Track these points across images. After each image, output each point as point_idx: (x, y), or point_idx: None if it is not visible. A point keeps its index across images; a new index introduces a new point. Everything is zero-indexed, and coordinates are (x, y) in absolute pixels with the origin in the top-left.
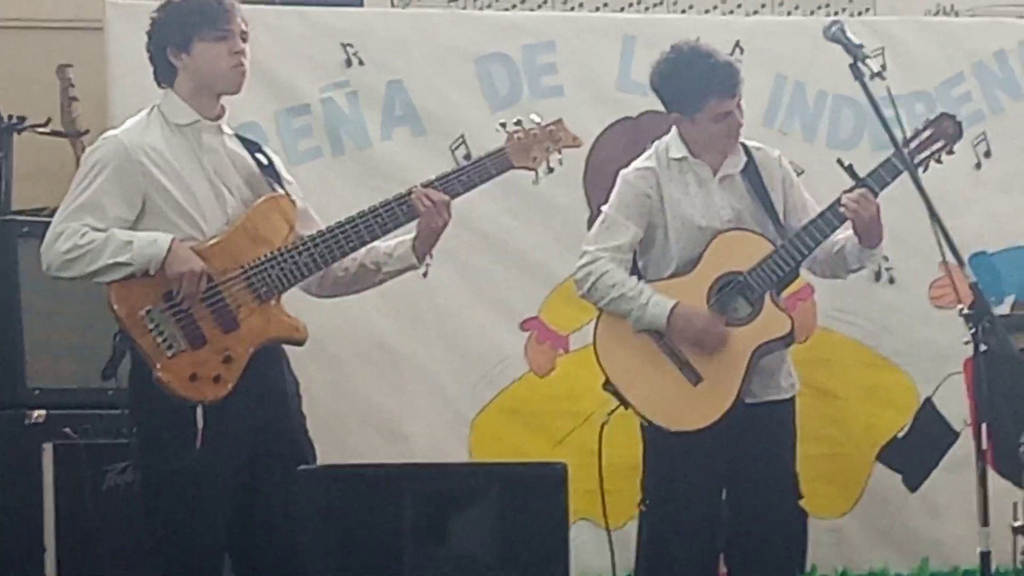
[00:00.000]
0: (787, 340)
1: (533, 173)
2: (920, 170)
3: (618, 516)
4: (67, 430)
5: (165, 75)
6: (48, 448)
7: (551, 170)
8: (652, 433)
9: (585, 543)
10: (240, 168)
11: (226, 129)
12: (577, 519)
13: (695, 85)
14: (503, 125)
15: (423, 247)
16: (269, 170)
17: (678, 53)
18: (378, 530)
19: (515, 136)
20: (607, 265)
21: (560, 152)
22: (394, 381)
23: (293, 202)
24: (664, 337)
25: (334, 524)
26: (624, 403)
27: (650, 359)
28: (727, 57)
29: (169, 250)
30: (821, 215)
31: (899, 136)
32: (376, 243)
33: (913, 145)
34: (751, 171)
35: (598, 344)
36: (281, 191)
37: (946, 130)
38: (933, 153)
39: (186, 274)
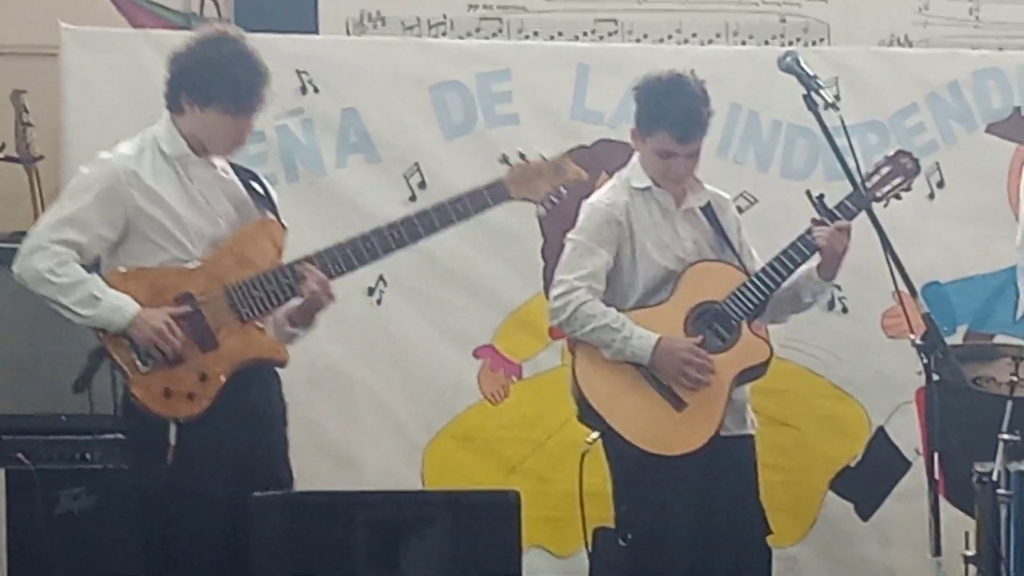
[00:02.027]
0: (765, 366)
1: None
2: (881, 205)
3: (570, 544)
4: (19, 455)
5: (173, 104)
6: (0, 473)
7: (553, 203)
8: (628, 465)
9: (538, 571)
10: (230, 195)
11: (216, 162)
12: (530, 546)
13: (654, 111)
14: (505, 159)
15: (304, 320)
16: (264, 200)
17: (670, 76)
18: (331, 557)
19: (516, 167)
20: (585, 295)
21: (566, 188)
22: (347, 408)
23: (283, 227)
24: (644, 365)
25: (287, 551)
26: (605, 430)
27: (632, 386)
28: (705, 108)
29: (131, 323)
30: (792, 245)
31: (852, 165)
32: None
33: (873, 182)
34: (710, 209)
35: (579, 373)
36: (272, 217)
37: (904, 166)
38: (893, 189)
39: (153, 339)
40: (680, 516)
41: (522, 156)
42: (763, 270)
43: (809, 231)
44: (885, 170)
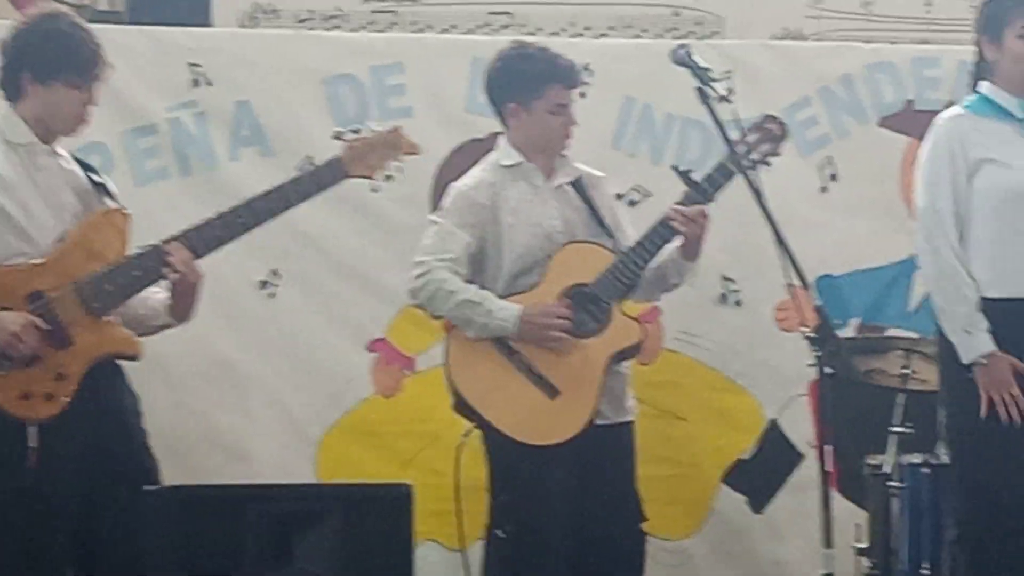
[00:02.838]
0: (638, 348)
1: (374, 189)
2: (752, 172)
3: (468, 537)
4: None
5: (12, 92)
6: None
7: (389, 177)
8: (505, 456)
9: (432, 564)
10: (73, 186)
11: (60, 151)
12: (423, 540)
13: (537, 72)
14: (338, 135)
15: (181, 307)
16: (102, 189)
17: (520, 45)
18: (223, 551)
19: (352, 144)
20: (445, 273)
21: (399, 160)
22: (240, 401)
23: (126, 216)
24: (516, 353)
25: (179, 545)
26: (479, 423)
27: (505, 377)
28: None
29: None
30: (657, 225)
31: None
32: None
33: (742, 149)
34: (581, 186)
35: (451, 365)
36: (115, 204)
37: (772, 132)
38: (762, 156)
39: (9, 342)
40: (557, 506)
41: (355, 131)
42: (630, 250)
43: (673, 211)
44: (753, 137)
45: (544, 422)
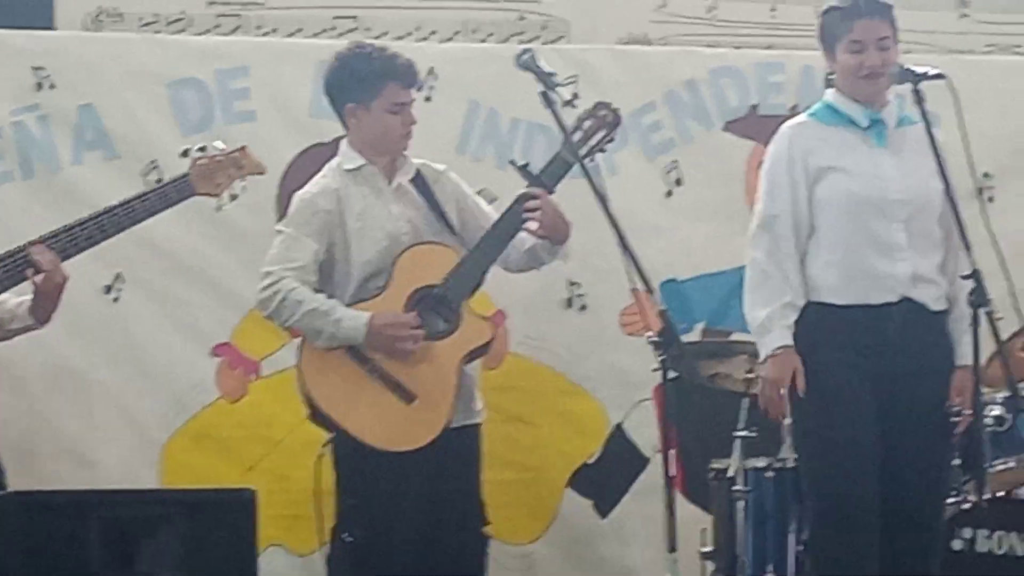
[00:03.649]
0: (488, 346)
1: (216, 199)
2: (588, 161)
3: (308, 542)
4: None
5: None
6: None
7: (234, 197)
8: (356, 461)
9: (276, 569)
10: None
11: None
12: (268, 545)
13: (374, 70)
14: (186, 152)
15: (44, 309)
16: None
17: (358, 45)
18: (66, 556)
19: (199, 163)
20: (293, 283)
21: (244, 179)
22: (83, 406)
23: None
24: (370, 360)
25: (22, 550)
26: (336, 432)
27: (360, 384)
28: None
29: None
30: (502, 218)
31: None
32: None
33: (576, 138)
34: (421, 182)
35: (305, 375)
36: None
37: (605, 119)
38: (598, 143)
39: None
40: (405, 509)
41: (202, 149)
42: (477, 247)
43: (518, 199)
44: (587, 124)
45: (402, 428)
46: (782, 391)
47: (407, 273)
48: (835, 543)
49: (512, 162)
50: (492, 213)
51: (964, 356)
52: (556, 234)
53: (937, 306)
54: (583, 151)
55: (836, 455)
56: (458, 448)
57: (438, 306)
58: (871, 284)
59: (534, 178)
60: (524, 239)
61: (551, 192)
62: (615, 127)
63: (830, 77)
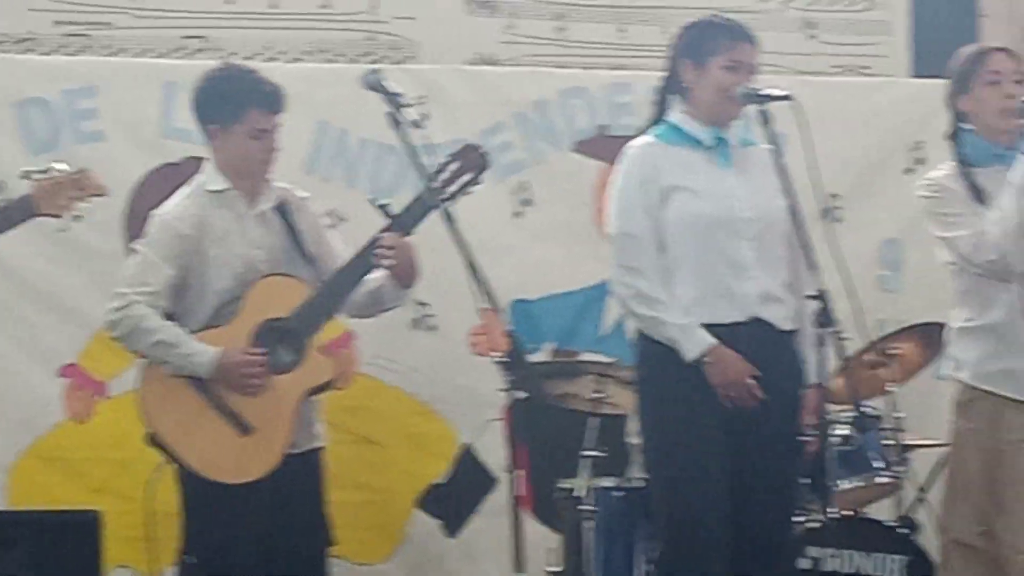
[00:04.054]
0: (330, 385)
1: (60, 219)
2: (452, 203)
3: (157, 563)
4: None
5: None
6: None
7: (79, 217)
8: (196, 487)
9: None
10: None
11: None
12: (115, 566)
13: (237, 93)
14: (27, 174)
15: None
16: None
17: (227, 66)
18: None
19: (41, 183)
20: (144, 310)
21: (86, 200)
22: None
23: None
24: (210, 391)
25: None
26: (172, 458)
27: (197, 413)
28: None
29: None
30: (358, 256)
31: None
32: None
33: (442, 179)
34: (283, 210)
35: (143, 399)
36: None
37: (472, 160)
38: (463, 186)
39: None
40: (246, 536)
41: (44, 171)
42: (327, 284)
43: (374, 241)
44: (454, 166)
45: (235, 460)
46: (743, 382)
47: (258, 303)
48: (684, 563)
49: (372, 200)
50: (343, 252)
51: (813, 376)
52: (406, 278)
53: (786, 325)
54: (447, 193)
55: (686, 475)
56: (301, 472)
57: (285, 339)
58: (721, 303)
59: (393, 219)
60: (368, 280)
61: (409, 233)
62: (482, 170)
63: (670, 89)
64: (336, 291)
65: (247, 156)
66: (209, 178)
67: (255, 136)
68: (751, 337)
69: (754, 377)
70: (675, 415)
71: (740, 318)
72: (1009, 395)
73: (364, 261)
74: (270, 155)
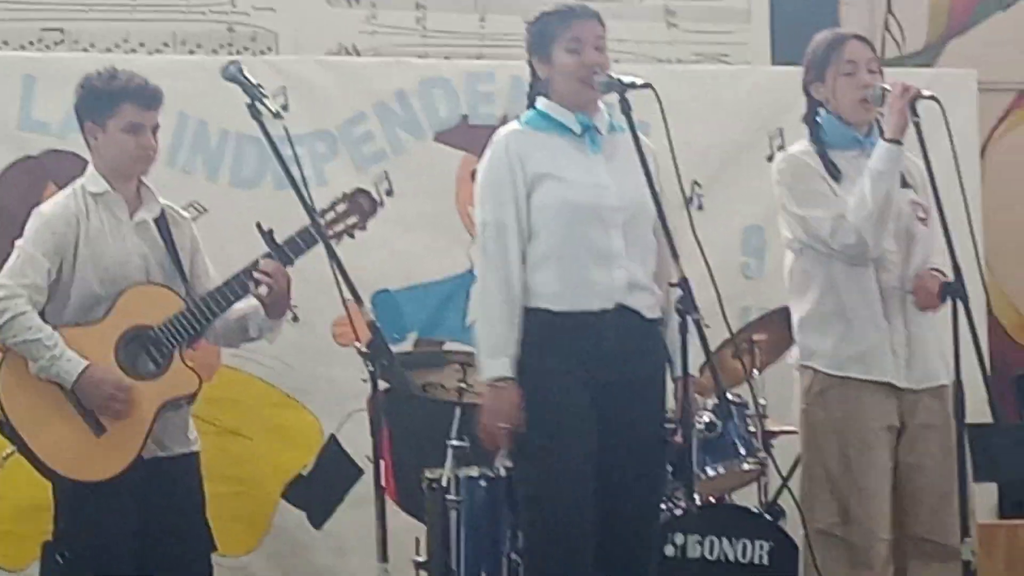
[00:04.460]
0: (194, 397)
1: None
2: (334, 242)
3: (21, 558)
4: None
5: None
6: None
7: None
8: (63, 484)
9: None
10: None
11: None
12: None
13: (111, 89)
14: None
15: None
16: None
17: (105, 68)
18: None
19: None
20: (25, 305)
21: None
22: None
23: None
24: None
25: None
26: (21, 448)
27: (55, 406)
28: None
29: None
30: (236, 277)
31: (297, 175)
32: None
33: (329, 217)
34: (164, 223)
35: (1, 389)
36: None
37: (361, 206)
38: (348, 227)
39: None
40: (117, 536)
41: None
42: (203, 299)
43: (255, 264)
44: (341, 207)
45: (86, 458)
46: (501, 425)
47: (129, 308)
48: (550, 554)
49: (258, 225)
50: (217, 277)
51: (678, 364)
52: (277, 309)
53: (651, 314)
54: (334, 231)
55: (552, 464)
56: (178, 476)
57: (150, 347)
58: (588, 291)
59: (277, 248)
60: (235, 309)
61: (290, 263)
62: (370, 215)
63: (535, 87)
64: (208, 308)
65: (122, 151)
66: (89, 180)
67: (129, 130)
68: (617, 325)
69: (621, 365)
70: (542, 403)
71: (607, 306)
72: (866, 378)
73: (240, 283)
74: (146, 152)
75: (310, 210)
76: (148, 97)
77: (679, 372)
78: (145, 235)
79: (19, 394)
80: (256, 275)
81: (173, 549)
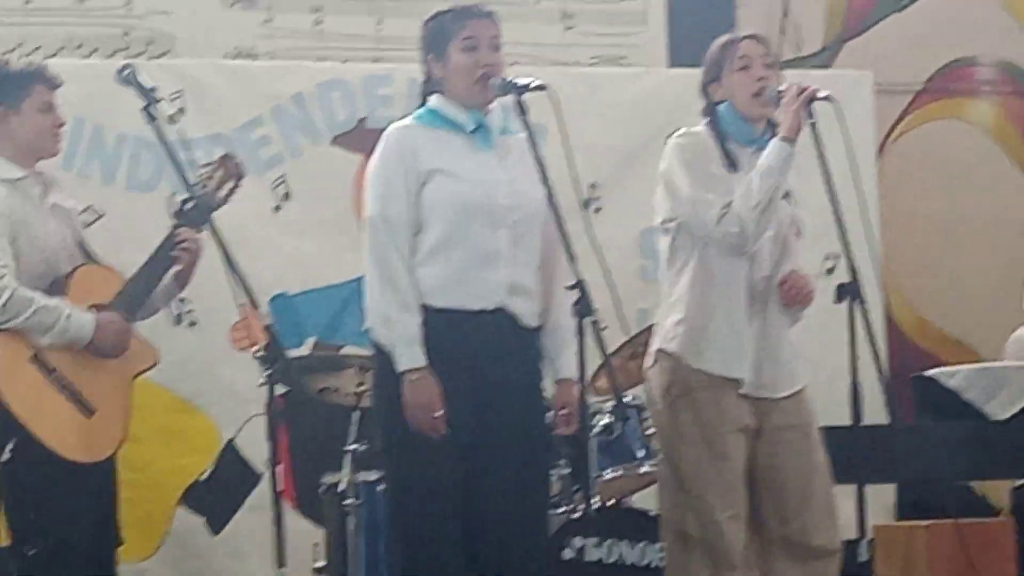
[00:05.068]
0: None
1: None
2: (221, 213)
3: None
4: None
5: None
6: None
7: None
8: (22, 473)
9: None
10: None
11: None
12: None
13: (21, 73)
14: None
15: None
16: None
17: (8, 58)
18: None
19: None
20: (13, 282)
21: None
22: None
23: None
24: (54, 372)
25: None
26: (20, 435)
27: (46, 393)
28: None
29: None
30: (159, 251)
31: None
32: None
33: (207, 189)
34: (62, 210)
35: None
36: None
37: (231, 170)
38: (228, 193)
39: None
40: (84, 525)
41: None
42: (137, 275)
43: (170, 239)
44: (219, 173)
45: (84, 439)
46: (432, 415)
47: (81, 289)
48: (413, 555)
49: (172, 195)
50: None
51: (566, 369)
52: (186, 278)
53: (530, 321)
54: (216, 200)
55: (419, 467)
56: (101, 471)
57: None
58: (471, 290)
59: (186, 215)
60: None
61: (199, 232)
62: (241, 177)
63: (429, 87)
64: (146, 281)
65: (40, 131)
66: (3, 168)
67: (44, 109)
68: (495, 327)
69: (498, 366)
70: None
71: (487, 307)
72: (722, 374)
73: (165, 256)
74: (60, 130)
75: (191, 186)
76: (54, 78)
77: (569, 377)
78: (59, 217)
79: (12, 382)
80: (184, 245)
81: (93, 543)
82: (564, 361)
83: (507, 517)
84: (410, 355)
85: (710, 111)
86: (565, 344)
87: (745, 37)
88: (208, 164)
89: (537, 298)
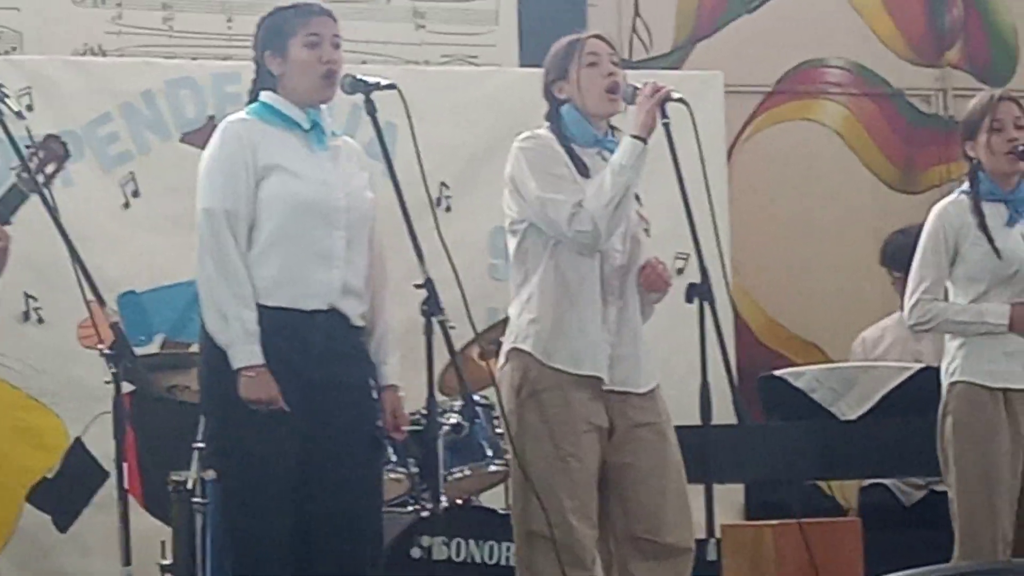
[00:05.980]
0: None
1: None
2: (46, 190)
3: None
4: None
5: None
6: None
7: None
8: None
9: None
10: None
11: None
12: None
13: None
14: None
15: None
16: None
17: None
18: None
19: None
20: None
21: None
22: None
23: None
24: None
25: None
26: None
27: None
28: None
29: None
30: None
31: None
32: None
33: (33, 168)
34: None
35: None
36: None
37: (55, 151)
38: (52, 173)
39: None
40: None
41: None
42: None
43: None
44: (42, 154)
45: None
46: (277, 406)
47: None
48: (237, 553)
49: None
50: None
51: (391, 375)
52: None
53: (358, 322)
54: (39, 182)
55: (248, 481)
56: None
57: None
58: (304, 289)
59: None
60: None
61: (7, 222)
62: (66, 158)
63: (261, 84)
64: None
65: None
66: None
67: None
68: (328, 326)
69: (329, 367)
70: (238, 415)
71: (320, 306)
72: (576, 372)
73: None
74: None
75: (22, 160)
76: None
77: (390, 381)
78: None
79: None
80: None
81: None
82: (390, 368)
83: (338, 516)
84: (248, 352)
85: (554, 113)
86: (391, 350)
87: (591, 36)
88: (30, 145)
89: (366, 299)
